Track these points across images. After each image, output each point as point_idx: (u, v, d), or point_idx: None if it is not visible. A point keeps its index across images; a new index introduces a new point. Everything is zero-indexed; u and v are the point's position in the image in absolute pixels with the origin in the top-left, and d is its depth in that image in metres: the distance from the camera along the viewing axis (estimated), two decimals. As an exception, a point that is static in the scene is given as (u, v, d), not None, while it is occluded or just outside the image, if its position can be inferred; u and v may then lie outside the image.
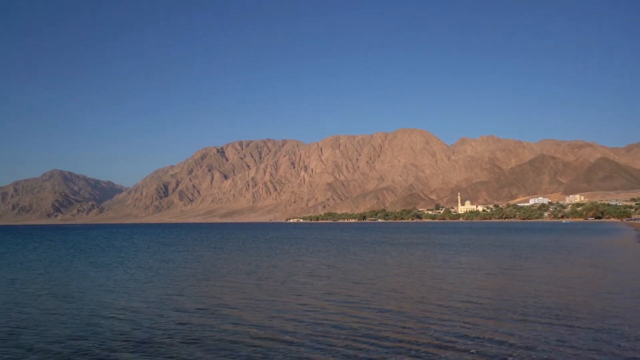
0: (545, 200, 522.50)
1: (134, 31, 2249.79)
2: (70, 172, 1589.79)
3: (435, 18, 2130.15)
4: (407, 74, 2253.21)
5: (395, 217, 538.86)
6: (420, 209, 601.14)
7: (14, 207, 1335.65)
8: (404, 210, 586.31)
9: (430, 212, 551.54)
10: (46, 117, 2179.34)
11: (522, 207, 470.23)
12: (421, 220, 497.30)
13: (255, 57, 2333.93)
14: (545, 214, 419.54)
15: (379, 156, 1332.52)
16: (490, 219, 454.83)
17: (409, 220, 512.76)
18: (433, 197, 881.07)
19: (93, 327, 19.22)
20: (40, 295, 27.88)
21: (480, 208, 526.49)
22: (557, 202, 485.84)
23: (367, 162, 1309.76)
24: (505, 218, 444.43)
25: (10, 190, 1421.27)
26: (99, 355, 15.27)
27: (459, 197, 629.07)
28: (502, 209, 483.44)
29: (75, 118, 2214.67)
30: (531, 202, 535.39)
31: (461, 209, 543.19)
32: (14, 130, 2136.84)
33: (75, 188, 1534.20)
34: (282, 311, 21.85)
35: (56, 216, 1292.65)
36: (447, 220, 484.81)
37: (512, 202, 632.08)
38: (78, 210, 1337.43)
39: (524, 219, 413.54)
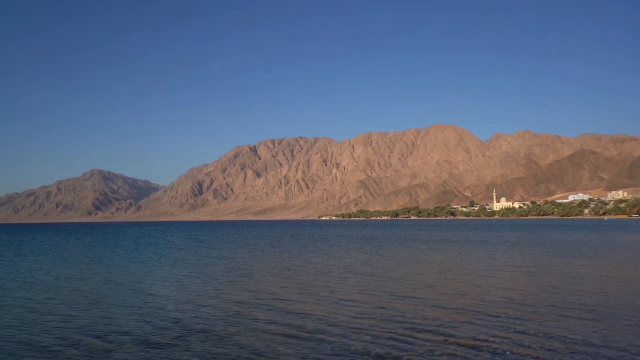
0: (586, 197, 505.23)
1: (170, 31, 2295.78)
2: (109, 172, 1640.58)
3: (469, 13, 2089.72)
4: (440, 70, 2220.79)
5: (429, 214, 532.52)
6: (454, 206, 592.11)
7: (57, 206, 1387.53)
8: (437, 207, 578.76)
9: (464, 209, 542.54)
10: (86, 119, 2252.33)
11: (560, 204, 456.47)
12: (455, 218, 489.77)
13: (288, 55, 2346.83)
14: (586, 211, 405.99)
15: (411, 153, 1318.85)
16: (527, 216, 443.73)
17: (443, 217, 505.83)
18: (467, 194, 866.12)
19: (136, 319, 19.74)
20: (84, 289, 28.79)
21: (516, 205, 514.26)
22: (599, 199, 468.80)
23: (399, 158, 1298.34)
24: (542, 215, 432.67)
25: (54, 189, 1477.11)
26: (145, 345, 15.70)
27: (494, 193, 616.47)
28: (539, 205, 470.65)
29: (114, 119, 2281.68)
30: (570, 198, 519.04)
31: (496, 206, 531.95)
32: (57, 132, 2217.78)
33: (114, 187, 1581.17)
34: (318, 307, 21.90)
35: (96, 214, 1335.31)
36: (482, 217, 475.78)
37: (550, 198, 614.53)
38: (117, 209, 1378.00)
39: (562, 216, 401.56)
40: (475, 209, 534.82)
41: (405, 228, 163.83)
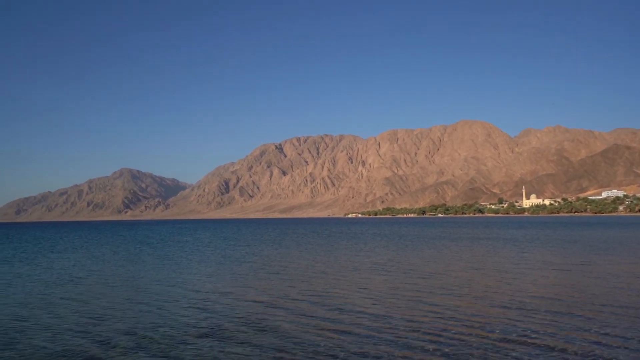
0: (620, 193, 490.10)
1: (197, 28, 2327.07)
2: (138, 170, 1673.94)
3: (495, 12, 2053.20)
4: (466, 67, 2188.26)
5: (456, 211, 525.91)
6: (482, 203, 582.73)
7: (88, 204, 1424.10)
8: (465, 204, 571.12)
9: (493, 207, 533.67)
10: (115, 119, 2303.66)
11: (593, 201, 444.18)
12: (483, 215, 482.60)
13: (313, 52, 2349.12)
14: (620, 208, 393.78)
15: (438, 149, 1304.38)
16: (558, 213, 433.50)
17: (471, 214, 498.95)
18: (496, 190, 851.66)
19: (168, 315, 20.20)
20: (116, 286, 29.54)
21: (547, 202, 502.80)
22: (634, 195, 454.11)
23: (426, 155, 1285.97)
24: (574, 212, 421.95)
25: (85, 188, 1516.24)
26: (175, 342, 16.04)
27: (523, 190, 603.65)
28: (571, 202, 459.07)
29: (142, 118, 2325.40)
30: (604, 195, 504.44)
31: (526, 203, 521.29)
32: (87, 132, 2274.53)
33: (143, 185, 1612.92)
34: (347, 304, 21.97)
35: (126, 212, 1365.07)
36: (511, 214, 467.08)
37: (582, 195, 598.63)
38: (145, 207, 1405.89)
39: (595, 213, 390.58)
40: (504, 206, 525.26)
41: (433, 225, 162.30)
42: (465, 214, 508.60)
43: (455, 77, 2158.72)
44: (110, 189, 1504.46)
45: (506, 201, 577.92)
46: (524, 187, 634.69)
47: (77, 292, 27.17)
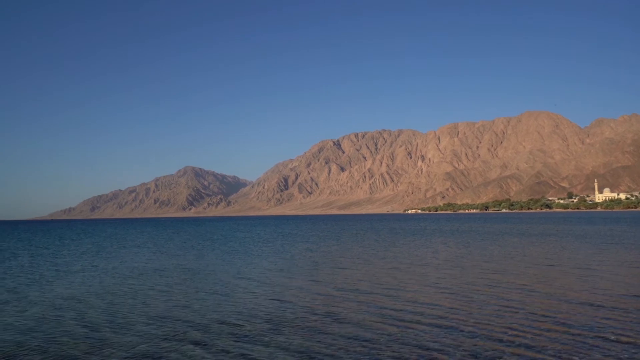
0: None
1: (255, 24, 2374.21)
2: (200, 168, 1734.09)
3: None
4: (530, 53, 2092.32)
5: (522, 206, 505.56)
6: (549, 198, 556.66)
7: (155, 201, 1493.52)
8: (531, 199, 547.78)
9: (561, 201, 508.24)
10: (180, 119, 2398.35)
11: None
12: (551, 210, 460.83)
13: (369, 48, 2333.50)
14: None
15: (501, 143, 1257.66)
16: (635, 207, 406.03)
17: (537, 210, 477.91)
18: (564, 184, 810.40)
19: (249, 305, 21.10)
20: (186, 281, 30.82)
21: (622, 196, 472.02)
22: None
23: (488, 149, 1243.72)
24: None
25: (152, 186, 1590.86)
26: (250, 334, 16.75)
27: (595, 184, 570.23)
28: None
29: (204, 117, 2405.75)
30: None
31: (599, 197, 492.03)
32: (154, 132, 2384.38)
33: (205, 183, 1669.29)
34: (421, 298, 21.94)
35: (190, 209, 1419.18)
36: (582, 209, 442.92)
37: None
38: (208, 204, 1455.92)
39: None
40: (574, 200, 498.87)
41: (498, 221, 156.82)
42: (531, 209, 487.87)
43: (519, 68, 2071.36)
44: (175, 186, 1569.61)
45: (576, 195, 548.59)
46: (596, 181, 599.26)
47: (161, 283, 28.86)
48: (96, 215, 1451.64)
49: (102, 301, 23.02)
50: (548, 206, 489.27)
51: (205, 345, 15.15)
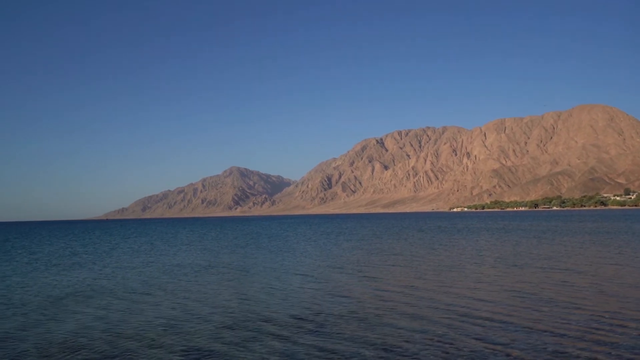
0: None
1: (297, 20, 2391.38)
2: (245, 168, 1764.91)
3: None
4: (582, 45, 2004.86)
5: (574, 204, 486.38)
6: (604, 195, 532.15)
7: (202, 201, 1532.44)
8: (584, 196, 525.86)
9: (618, 198, 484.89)
10: (225, 120, 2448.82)
11: None
12: (606, 208, 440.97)
13: (412, 47, 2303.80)
14: None
15: (551, 138, 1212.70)
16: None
17: (591, 207, 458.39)
18: (621, 180, 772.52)
19: (310, 299, 22.30)
20: (231, 280, 32.37)
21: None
22: None
23: (537, 145, 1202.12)
24: None
25: (199, 187, 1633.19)
26: (327, 321, 17.85)
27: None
28: None
29: (248, 119, 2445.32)
30: None
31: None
32: (201, 133, 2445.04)
33: (251, 183, 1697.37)
34: (477, 295, 22.46)
35: (236, 209, 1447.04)
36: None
37: None
38: (253, 203, 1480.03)
39: None
40: (632, 197, 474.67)
41: (549, 219, 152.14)
42: (584, 206, 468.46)
43: (571, 59, 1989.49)
44: (221, 186, 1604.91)
45: (634, 192, 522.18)
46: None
47: (221, 278, 30.63)
48: (147, 215, 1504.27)
49: (175, 297, 24.93)
50: (603, 203, 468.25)
51: (281, 337, 16.16)
